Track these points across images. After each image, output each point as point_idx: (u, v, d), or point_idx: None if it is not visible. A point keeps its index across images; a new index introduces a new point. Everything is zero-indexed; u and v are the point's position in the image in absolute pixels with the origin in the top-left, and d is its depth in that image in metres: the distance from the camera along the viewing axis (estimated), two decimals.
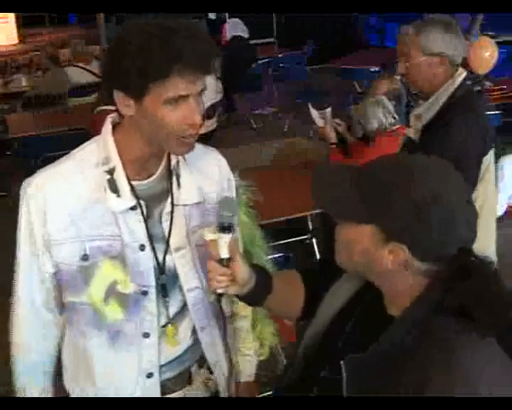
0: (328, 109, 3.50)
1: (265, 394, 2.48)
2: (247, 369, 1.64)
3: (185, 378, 1.47)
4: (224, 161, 1.50)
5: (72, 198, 1.29)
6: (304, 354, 1.21)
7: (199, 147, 1.42)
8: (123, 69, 1.18)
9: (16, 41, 11.18)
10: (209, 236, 1.23)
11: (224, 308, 1.49)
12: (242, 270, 1.22)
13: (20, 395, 1.46)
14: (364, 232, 1.05)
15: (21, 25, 11.39)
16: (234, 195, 1.51)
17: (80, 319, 1.38)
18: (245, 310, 1.60)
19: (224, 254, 1.21)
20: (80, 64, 6.15)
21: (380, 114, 3.24)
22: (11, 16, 11.12)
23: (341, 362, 1.06)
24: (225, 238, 1.21)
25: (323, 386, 1.13)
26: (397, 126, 3.23)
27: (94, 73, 6.03)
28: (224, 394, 1.55)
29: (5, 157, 5.95)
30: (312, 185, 1.13)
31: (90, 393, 1.42)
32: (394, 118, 3.24)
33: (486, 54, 5.38)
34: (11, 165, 5.66)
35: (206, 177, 1.42)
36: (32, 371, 1.45)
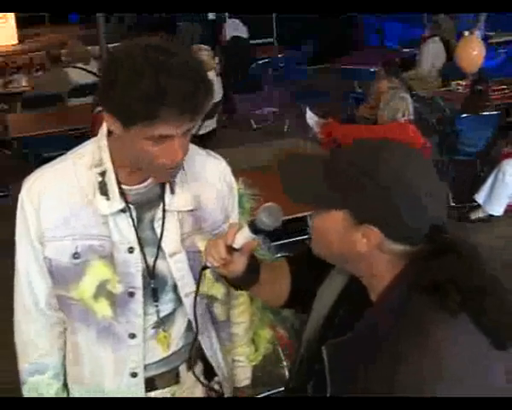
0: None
1: (265, 394, 2.48)
2: (241, 374, 1.64)
3: (172, 377, 1.47)
4: (226, 169, 1.48)
5: (66, 198, 1.31)
6: (306, 352, 1.22)
7: (200, 153, 1.43)
8: (111, 97, 1.17)
9: (16, 41, 11.17)
10: (201, 244, 1.22)
11: (219, 314, 1.51)
12: (240, 267, 1.24)
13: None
14: (336, 218, 1.06)
15: (21, 25, 11.37)
16: (236, 203, 1.51)
17: (69, 313, 1.39)
18: (241, 317, 1.60)
19: (238, 244, 1.21)
20: (80, 64, 6.16)
21: (402, 108, 3.67)
22: (11, 16, 11.10)
23: (322, 347, 1.07)
24: (250, 238, 1.21)
25: (317, 378, 1.13)
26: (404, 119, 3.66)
27: (93, 74, 6.03)
28: (228, 396, 1.55)
29: (5, 157, 5.95)
30: (281, 175, 1.13)
31: (76, 390, 1.45)
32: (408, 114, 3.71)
33: (474, 53, 5.40)
34: (11, 165, 5.66)
35: (205, 184, 1.41)
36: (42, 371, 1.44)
